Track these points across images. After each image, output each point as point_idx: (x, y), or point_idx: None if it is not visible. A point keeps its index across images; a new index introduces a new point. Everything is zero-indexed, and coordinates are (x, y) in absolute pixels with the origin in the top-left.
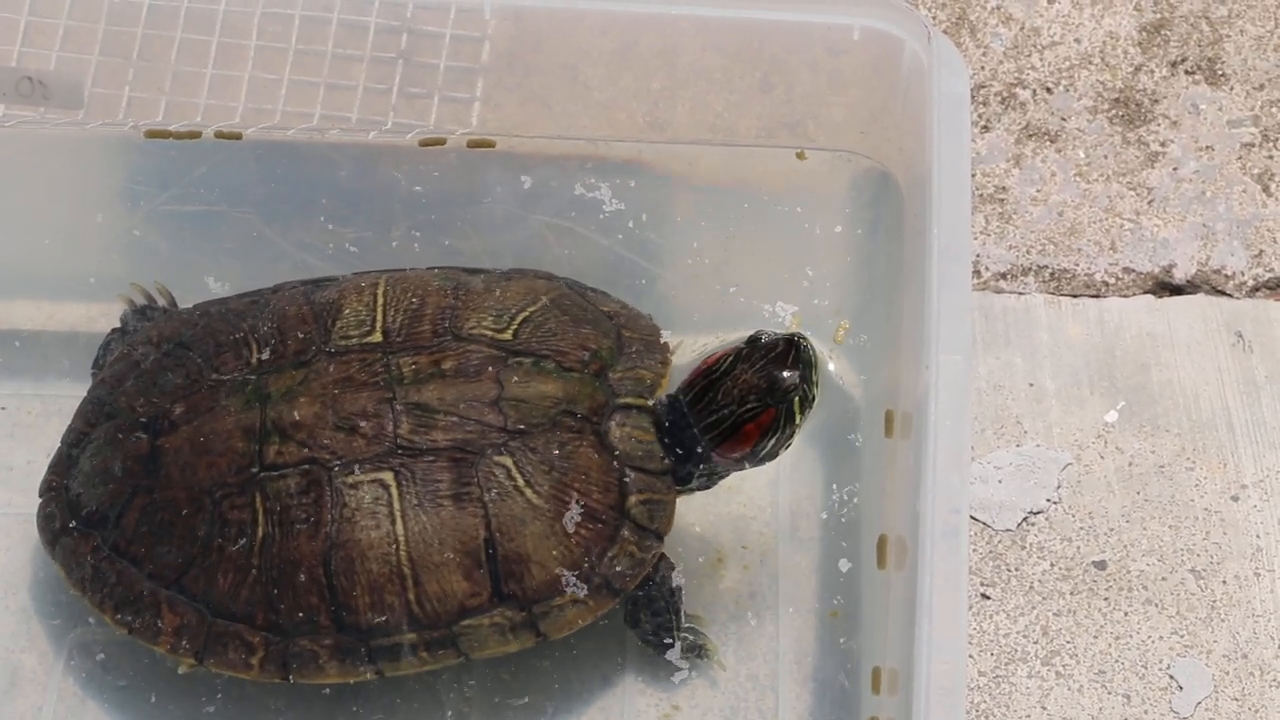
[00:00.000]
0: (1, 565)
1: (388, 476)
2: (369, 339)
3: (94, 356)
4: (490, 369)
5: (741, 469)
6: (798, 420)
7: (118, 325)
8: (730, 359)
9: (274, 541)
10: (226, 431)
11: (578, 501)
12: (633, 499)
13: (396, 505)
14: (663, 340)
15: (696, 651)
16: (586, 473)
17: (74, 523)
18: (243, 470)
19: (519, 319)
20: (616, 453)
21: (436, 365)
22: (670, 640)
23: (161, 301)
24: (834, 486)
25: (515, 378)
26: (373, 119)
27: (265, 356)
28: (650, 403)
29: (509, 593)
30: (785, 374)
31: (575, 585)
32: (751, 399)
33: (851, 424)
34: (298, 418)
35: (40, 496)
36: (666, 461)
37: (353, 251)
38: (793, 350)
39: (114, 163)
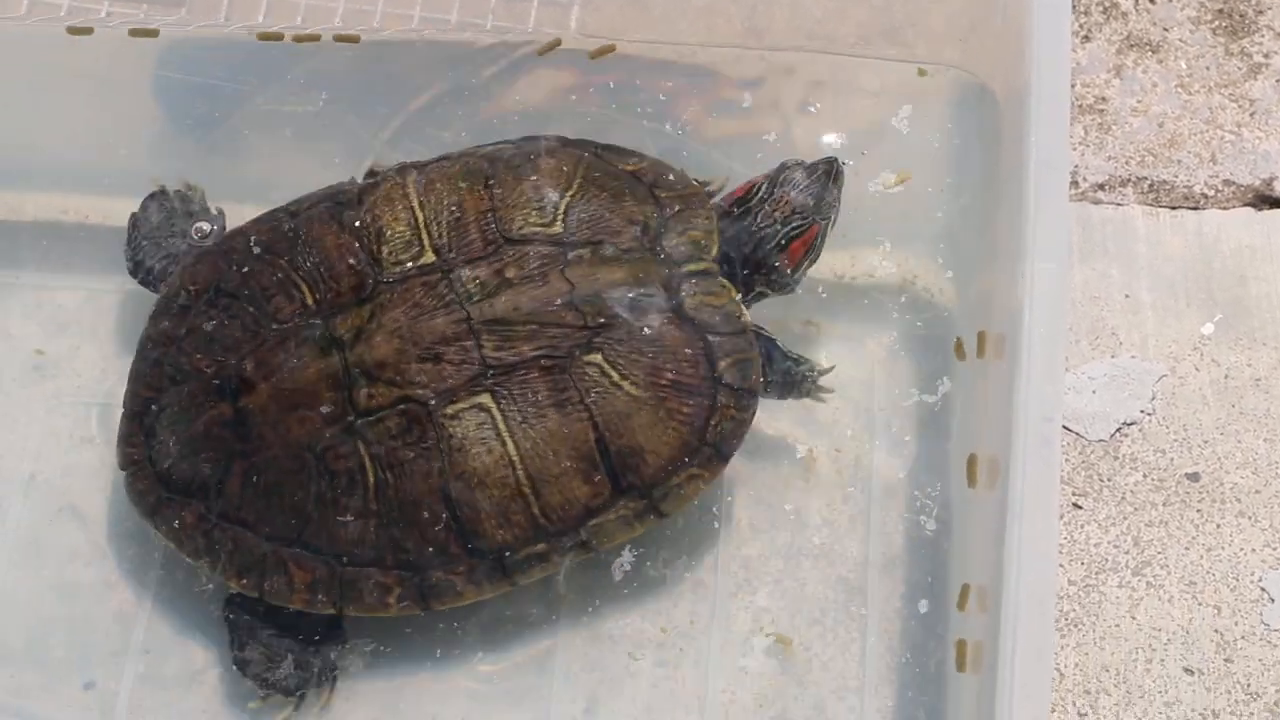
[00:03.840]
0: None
1: (486, 399)
2: (423, 260)
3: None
4: (555, 268)
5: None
6: (825, 238)
7: (138, 211)
8: (763, 186)
9: (388, 485)
10: (310, 383)
11: (673, 382)
12: (722, 364)
13: (502, 426)
14: (698, 188)
15: (816, 379)
16: (674, 351)
17: (169, 494)
18: (338, 420)
19: (563, 207)
20: (695, 323)
21: (499, 275)
22: (805, 376)
23: (194, 200)
24: (927, 395)
25: (581, 272)
26: (472, 21)
27: (320, 296)
28: (713, 264)
29: (628, 485)
30: (833, 191)
31: (689, 462)
32: (797, 218)
33: (947, 334)
34: (380, 357)
35: (123, 470)
36: (744, 319)
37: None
38: (834, 169)
39: (214, 62)
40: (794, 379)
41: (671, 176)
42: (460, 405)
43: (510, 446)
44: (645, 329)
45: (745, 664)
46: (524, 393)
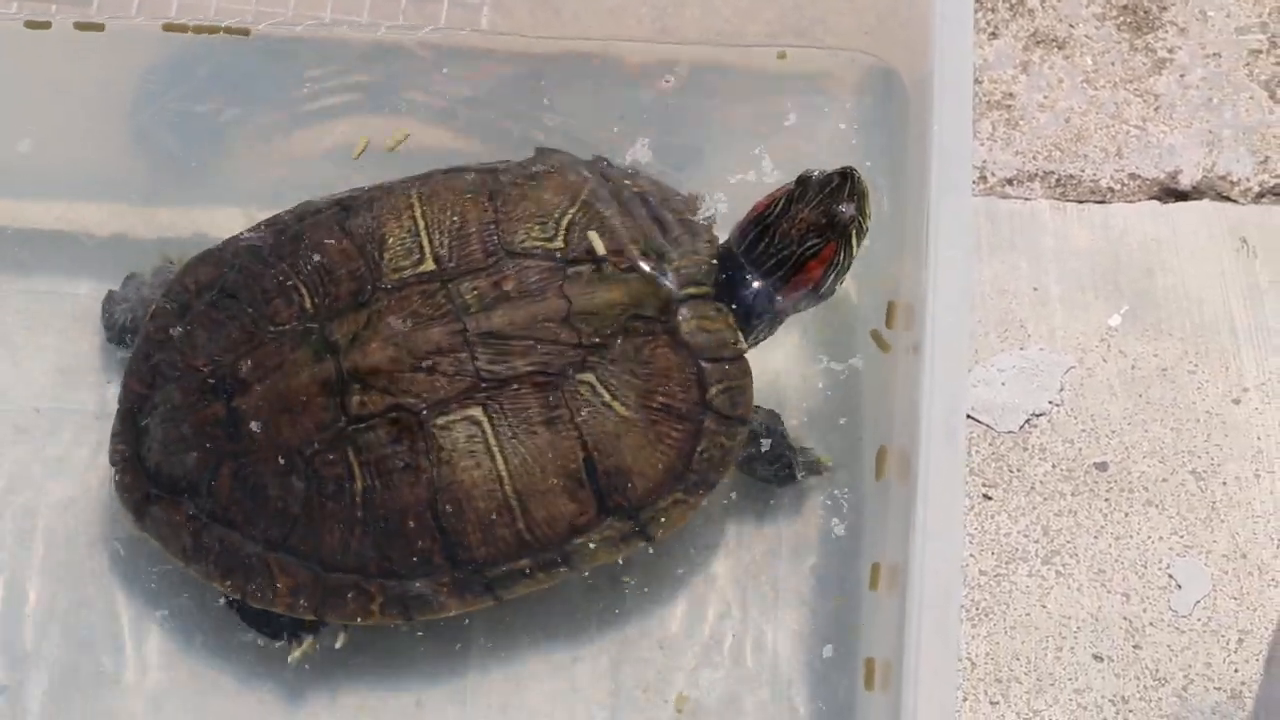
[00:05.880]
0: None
1: (477, 412)
2: (422, 268)
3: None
4: (553, 284)
5: (801, 309)
6: (855, 251)
7: (114, 288)
8: (781, 202)
9: (375, 493)
10: (303, 387)
11: (664, 405)
12: (713, 390)
13: (492, 441)
14: (701, 213)
15: (812, 467)
16: (667, 374)
17: (157, 491)
18: (329, 426)
19: (565, 224)
20: (690, 347)
21: (498, 288)
22: (792, 474)
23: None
24: (837, 388)
25: (579, 290)
26: (383, 21)
27: (319, 301)
28: (711, 289)
29: (614, 505)
30: (843, 208)
31: (675, 487)
32: (812, 236)
33: (856, 326)
34: (374, 364)
35: (113, 465)
36: (739, 346)
37: (361, 148)
38: (848, 183)
39: (127, 61)
40: (785, 471)
41: (678, 201)
42: (451, 417)
43: (499, 460)
44: (639, 350)
45: (651, 656)
46: (515, 408)
